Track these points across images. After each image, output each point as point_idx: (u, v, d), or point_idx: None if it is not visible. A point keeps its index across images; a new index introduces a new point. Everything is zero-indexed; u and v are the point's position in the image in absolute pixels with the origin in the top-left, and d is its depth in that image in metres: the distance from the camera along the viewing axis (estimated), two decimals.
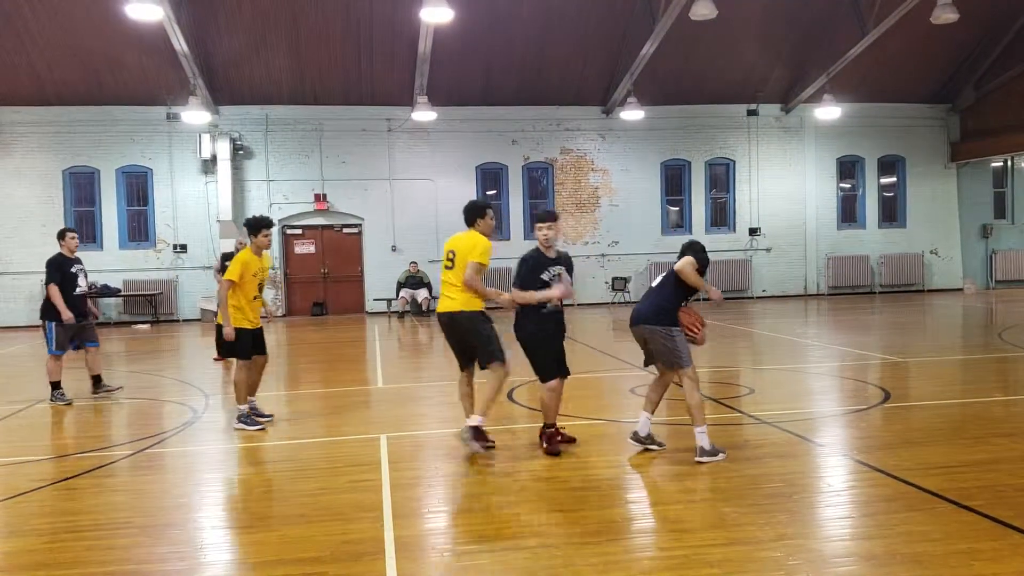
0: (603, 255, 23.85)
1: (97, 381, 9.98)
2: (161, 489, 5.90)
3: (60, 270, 9.47)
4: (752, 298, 24.18)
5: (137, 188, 22.25)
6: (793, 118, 24.50)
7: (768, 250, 24.56)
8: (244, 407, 7.83)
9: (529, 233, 23.74)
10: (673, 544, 4.53)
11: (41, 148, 21.45)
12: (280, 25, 19.82)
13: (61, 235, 9.82)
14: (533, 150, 23.58)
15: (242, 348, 7.85)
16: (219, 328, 8.06)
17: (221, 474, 6.48)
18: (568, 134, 23.67)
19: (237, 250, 13.53)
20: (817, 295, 24.69)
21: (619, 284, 23.64)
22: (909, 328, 16.45)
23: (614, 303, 23.48)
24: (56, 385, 9.47)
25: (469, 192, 23.20)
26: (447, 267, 6.57)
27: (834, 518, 4.97)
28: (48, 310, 9.45)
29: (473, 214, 6.63)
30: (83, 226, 21.68)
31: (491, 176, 23.74)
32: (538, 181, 24.04)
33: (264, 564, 4.37)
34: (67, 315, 9.22)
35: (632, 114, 22.12)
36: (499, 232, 23.66)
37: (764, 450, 6.49)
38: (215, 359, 12.46)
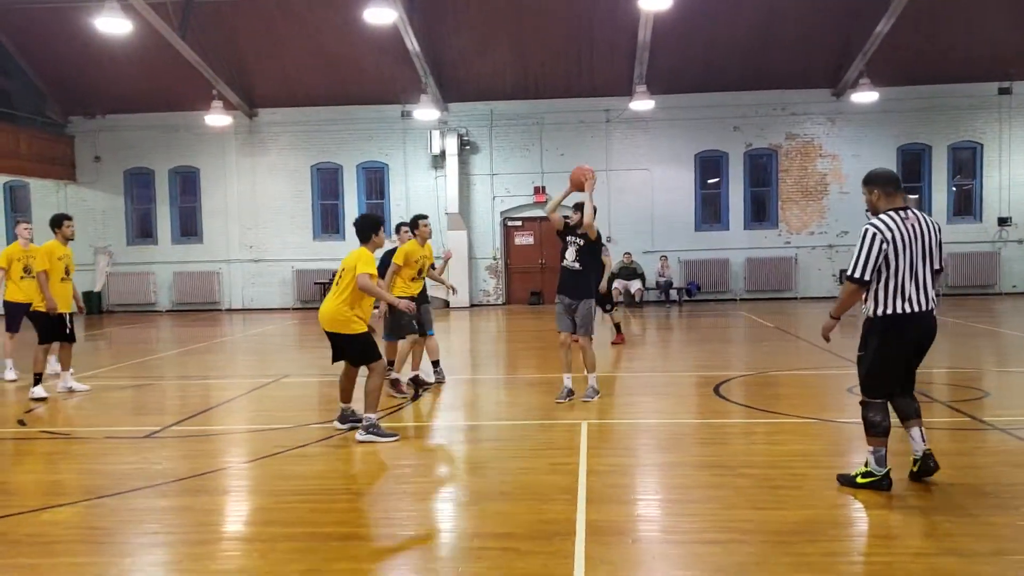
0: (830, 246, 22.58)
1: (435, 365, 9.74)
2: (379, 460, 6.40)
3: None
4: (1000, 294, 21.92)
5: (375, 182, 23.96)
6: None
7: (1020, 241, 22.14)
8: (374, 416, 6.98)
9: (751, 222, 22.97)
10: (876, 550, 4.32)
11: (292, 146, 23.64)
12: (505, 22, 20.53)
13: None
14: (756, 136, 22.75)
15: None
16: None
17: (434, 449, 6.92)
18: (794, 119, 22.61)
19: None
20: None
21: None
22: None
23: None
24: None
25: (687, 181, 22.85)
26: None
27: None
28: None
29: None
30: (327, 218, 23.73)
31: (711, 164, 23.18)
32: (761, 168, 23.16)
33: (461, 535, 4.66)
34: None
35: (865, 96, 20.72)
36: (719, 222, 23.12)
37: (992, 458, 5.96)
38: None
